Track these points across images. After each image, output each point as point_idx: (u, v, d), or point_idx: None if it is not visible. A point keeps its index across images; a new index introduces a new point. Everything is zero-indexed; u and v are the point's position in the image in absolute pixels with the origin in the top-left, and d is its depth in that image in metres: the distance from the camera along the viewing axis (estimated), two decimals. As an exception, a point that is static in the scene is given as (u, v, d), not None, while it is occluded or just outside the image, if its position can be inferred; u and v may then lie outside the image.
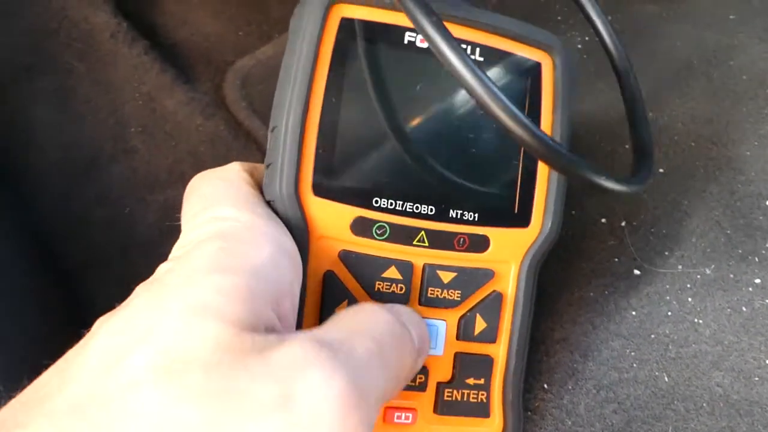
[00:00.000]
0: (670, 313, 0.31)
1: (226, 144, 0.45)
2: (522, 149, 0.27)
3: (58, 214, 0.41)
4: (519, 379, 0.26)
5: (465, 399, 0.25)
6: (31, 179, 0.41)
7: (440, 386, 0.25)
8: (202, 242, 0.20)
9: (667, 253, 0.33)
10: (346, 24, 0.24)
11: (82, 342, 0.20)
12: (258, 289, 0.19)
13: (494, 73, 0.26)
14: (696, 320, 0.30)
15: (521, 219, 0.27)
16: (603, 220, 0.36)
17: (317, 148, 0.24)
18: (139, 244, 0.42)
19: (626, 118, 0.29)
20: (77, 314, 0.40)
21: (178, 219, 0.43)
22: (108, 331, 0.19)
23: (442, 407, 0.25)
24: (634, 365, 0.29)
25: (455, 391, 0.25)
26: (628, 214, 0.36)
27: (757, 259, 0.31)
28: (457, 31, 0.25)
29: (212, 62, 0.49)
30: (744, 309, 0.30)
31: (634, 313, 0.31)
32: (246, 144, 0.45)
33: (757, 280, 0.30)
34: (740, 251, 0.32)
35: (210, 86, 0.47)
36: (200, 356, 0.17)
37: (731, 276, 0.31)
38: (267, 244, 0.21)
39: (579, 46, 0.51)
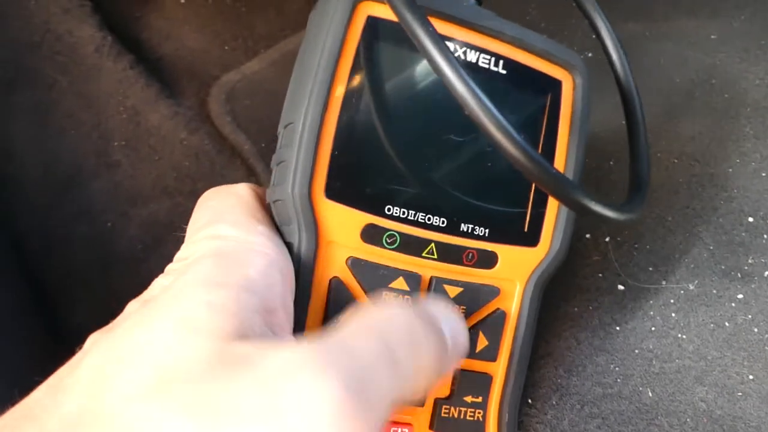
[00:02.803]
0: (653, 329, 0.30)
1: (210, 158, 0.44)
2: (543, 135, 0.27)
3: (38, 229, 0.41)
4: (516, 399, 0.26)
5: (462, 417, 0.25)
6: (11, 194, 0.41)
7: (438, 402, 0.25)
8: (197, 259, 0.21)
9: (650, 269, 0.33)
10: (373, 23, 0.23)
11: (74, 359, 0.20)
12: (248, 302, 0.19)
13: (515, 87, 0.26)
14: (679, 335, 0.30)
15: (530, 238, 0.27)
16: (587, 236, 0.36)
17: (333, 149, 0.23)
18: (120, 259, 0.41)
19: (627, 142, 0.29)
20: (57, 330, 0.39)
21: (161, 233, 0.42)
22: (100, 348, 0.19)
23: (439, 424, 0.25)
24: (618, 380, 0.29)
25: (453, 409, 0.25)
26: (612, 230, 0.36)
27: (739, 275, 0.31)
28: (484, 41, 0.25)
29: (197, 77, 0.49)
30: (727, 324, 0.30)
31: (618, 328, 0.31)
32: (230, 159, 0.45)
33: (740, 296, 0.30)
34: (723, 267, 0.32)
35: (195, 101, 0.47)
36: (191, 370, 0.17)
37: (714, 291, 0.31)
38: (259, 259, 0.21)
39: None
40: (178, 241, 0.42)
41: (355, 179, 0.23)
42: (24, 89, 0.41)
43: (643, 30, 0.53)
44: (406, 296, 0.24)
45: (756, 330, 0.29)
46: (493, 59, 0.25)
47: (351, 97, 0.23)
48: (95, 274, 0.40)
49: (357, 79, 0.23)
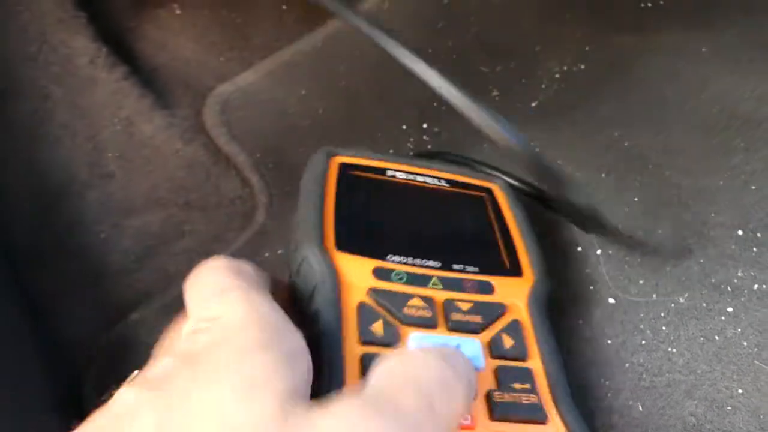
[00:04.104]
0: (644, 342, 0.31)
1: (205, 169, 0.45)
2: (492, 215, 0.33)
3: (31, 239, 0.41)
4: (564, 388, 0.26)
5: (517, 401, 0.25)
6: (4, 203, 0.41)
7: (490, 392, 0.25)
8: (246, 324, 0.21)
9: (641, 282, 0.33)
10: (344, 165, 0.33)
11: (114, 420, 0.19)
12: (301, 365, 0.21)
13: (459, 194, 0.34)
14: (670, 349, 0.30)
15: (515, 270, 0.30)
16: (578, 249, 0.36)
17: (335, 225, 0.29)
18: (113, 271, 0.41)
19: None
20: (48, 343, 0.39)
21: (154, 244, 0.42)
22: (157, 409, 0.19)
23: (496, 410, 0.25)
24: (609, 394, 0.29)
25: (505, 394, 0.25)
26: (603, 243, 0.36)
27: (729, 288, 0.31)
28: (426, 171, 0.34)
29: (192, 87, 0.49)
30: (717, 338, 0.30)
31: (609, 341, 0.31)
32: (225, 170, 0.45)
33: (730, 309, 0.31)
34: (713, 280, 0.32)
35: (190, 111, 0.47)
36: (257, 427, 0.18)
37: (704, 305, 0.31)
38: (292, 326, 0.22)
39: (557, 75, 0.52)
40: (172, 253, 0.43)
41: (357, 239, 0.29)
42: (18, 99, 0.41)
43: (635, 42, 0.53)
44: (426, 309, 0.27)
45: (745, 344, 0.29)
46: (437, 180, 0.34)
47: (341, 191, 0.31)
48: (88, 285, 0.40)
49: (340, 194, 0.31)
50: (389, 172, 0.33)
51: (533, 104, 0.49)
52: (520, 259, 0.31)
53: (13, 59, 0.41)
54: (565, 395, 0.26)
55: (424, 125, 0.49)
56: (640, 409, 0.28)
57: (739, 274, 0.32)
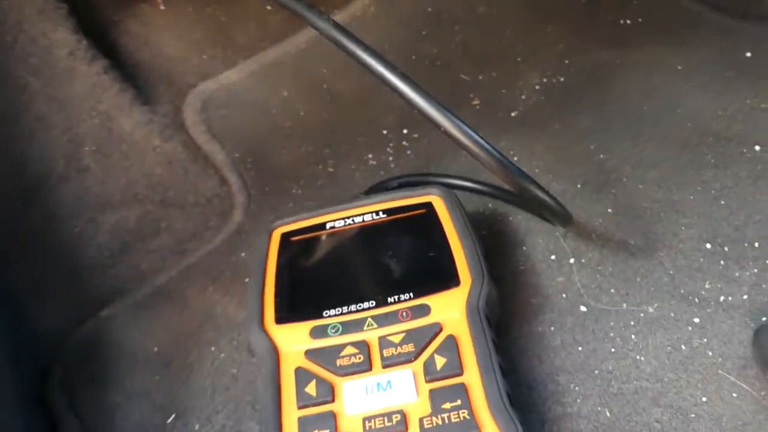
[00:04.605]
0: (613, 350, 0.31)
1: (183, 167, 0.44)
2: (431, 231, 0.34)
3: (5, 232, 0.40)
4: (501, 396, 0.26)
5: (447, 422, 0.26)
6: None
7: (421, 420, 0.26)
8: None
9: (612, 291, 0.34)
10: (285, 235, 0.36)
11: None
12: None
13: (397, 220, 0.35)
14: (638, 357, 0.31)
15: (452, 281, 0.31)
16: (552, 257, 0.37)
17: (275, 295, 0.32)
18: (88, 266, 0.41)
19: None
20: (16, 336, 0.38)
21: (129, 241, 0.42)
22: None
23: None
24: (578, 400, 0.30)
25: (435, 418, 0.26)
26: (576, 252, 0.36)
27: (697, 300, 0.32)
28: (367, 208, 0.36)
29: (174, 84, 0.49)
30: (683, 347, 0.30)
31: (579, 348, 0.32)
32: (204, 168, 0.45)
33: (696, 320, 0.31)
34: (682, 291, 0.33)
35: (170, 108, 0.47)
36: None
37: (672, 315, 0.32)
38: None
39: (537, 86, 0.53)
40: (147, 250, 0.42)
41: (294, 307, 0.31)
42: (-8, 91, 0.41)
43: (615, 58, 0.54)
44: (359, 356, 0.28)
45: (710, 353, 0.30)
46: (375, 214, 0.36)
47: (282, 264, 0.34)
48: (61, 279, 0.40)
49: (282, 259, 0.34)
50: (328, 225, 0.36)
51: (513, 114, 0.50)
52: (458, 268, 0.32)
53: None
54: (498, 401, 0.26)
55: (404, 130, 0.49)
56: (608, 414, 0.29)
57: (707, 286, 0.33)
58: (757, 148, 0.41)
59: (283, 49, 0.51)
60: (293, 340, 0.30)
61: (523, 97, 0.52)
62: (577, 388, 0.30)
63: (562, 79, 0.54)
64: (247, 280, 0.38)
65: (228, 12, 0.53)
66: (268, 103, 0.49)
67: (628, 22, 0.59)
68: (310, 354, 0.29)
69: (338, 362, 0.28)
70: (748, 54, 0.50)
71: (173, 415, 0.32)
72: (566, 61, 0.55)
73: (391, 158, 0.48)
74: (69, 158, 0.41)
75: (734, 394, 0.28)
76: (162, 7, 0.52)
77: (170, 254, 0.42)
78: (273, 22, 0.52)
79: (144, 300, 0.39)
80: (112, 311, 0.39)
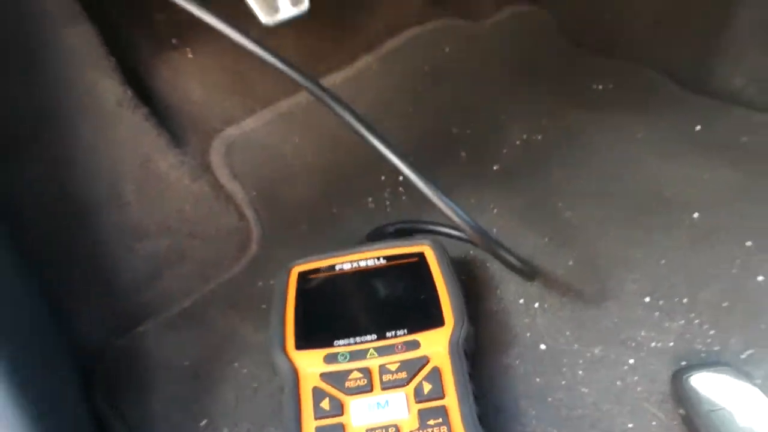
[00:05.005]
0: (564, 382, 0.39)
1: (208, 204, 0.51)
2: (422, 277, 0.41)
3: (54, 251, 0.46)
4: (473, 417, 0.34)
5: None
6: (35, 218, 0.46)
7: None
8: None
9: (567, 333, 0.41)
10: (301, 273, 0.43)
11: None
12: None
13: (395, 266, 0.42)
14: (583, 389, 0.38)
15: (438, 321, 0.38)
16: (521, 301, 0.44)
17: (294, 326, 0.39)
18: (124, 286, 0.47)
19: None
20: (67, 339, 0.44)
21: (161, 267, 0.48)
22: None
23: None
24: (533, 422, 0.37)
25: (421, 431, 0.33)
26: (540, 298, 0.44)
27: (633, 345, 0.40)
28: (369, 254, 0.43)
29: (201, 128, 0.55)
30: (618, 383, 0.38)
31: (537, 380, 0.39)
32: (225, 205, 0.52)
33: (631, 361, 0.39)
34: (622, 337, 0.40)
35: (198, 151, 0.54)
36: None
37: (613, 356, 0.39)
38: None
39: (517, 142, 0.60)
40: (175, 276, 0.49)
41: (311, 334, 0.39)
42: (51, 131, 0.47)
43: (587, 120, 0.62)
44: (363, 379, 0.36)
45: (639, 389, 0.37)
46: (376, 259, 0.43)
47: (300, 298, 0.41)
48: (103, 296, 0.46)
49: (300, 295, 0.41)
50: (337, 267, 0.43)
51: (495, 167, 0.58)
52: (443, 310, 0.39)
53: (49, 96, 0.47)
54: (470, 421, 0.34)
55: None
56: (556, 436, 0.36)
57: (642, 334, 0.41)
58: (696, 215, 0.49)
59: (295, 101, 0.58)
60: (310, 364, 0.37)
61: (505, 151, 0.60)
62: (533, 412, 0.38)
63: (539, 137, 0.61)
64: (264, 306, 0.45)
65: (248, 63, 0.60)
66: (282, 148, 0.56)
67: (600, 87, 0.67)
68: (324, 376, 0.36)
69: (346, 384, 0.35)
70: (698, 127, 0.58)
71: (205, 421, 0.39)
72: (543, 121, 0.63)
73: (387, 202, 0.55)
74: (112, 193, 0.48)
75: (653, 423, 0.36)
76: (190, 56, 0.58)
77: (195, 280, 0.49)
78: (287, 77, 0.59)
79: (173, 319, 0.46)
80: (146, 327, 0.46)
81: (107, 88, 0.49)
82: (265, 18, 0.47)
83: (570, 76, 0.69)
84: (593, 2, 0.71)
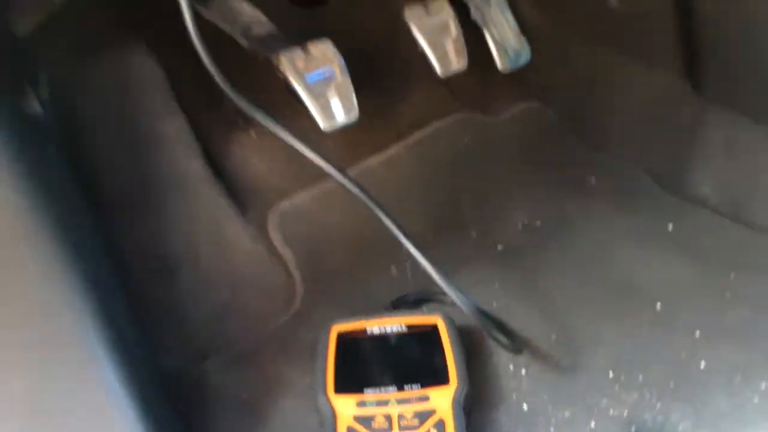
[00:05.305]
0: (538, 439, 0.50)
1: (264, 264, 0.63)
2: (434, 342, 0.52)
3: (143, 296, 0.58)
4: None
5: None
6: (127, 270, 0.58)
7: None
8: None
9: (545, 397, 0.53)
10: (340, 333, 0.53)
11: None
12: None
13: (417, 332, 0.54)
14: (553, 444, 0.49)
15: (445, 380, 0.50)
16: (510, 367, 0.55)
17: (334, 375, 0.50)
18: (193, 326, 0.59)
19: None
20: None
21: (226, 313, 0.60)
22: None
23: None
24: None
25: None
26: (527, 366, 0.55)
27: (596, 410, 0.51)
28: (391, 320, 0.54)
29: (260, 200, 0.67)
30: (581, 441, 0.49)
31: (518, 432, 0.51)
32: (277, 267, 0.64)
33: (593, 424, 0.50)
34: (588, 403, 0.52)
35: (258, 218, 0.66)
36: None
37: (579, 419, 0.50)
38: None
39: (519, 226, 0.72)
40: (234, 322, 0.61)
41: (347, 382, 0.49)
42: (147, 202, 0.59)
43: (578, 210, 0.73)
44: (386, 423, 0.47)
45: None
46: (399, 326, 0.54)
47: (338, 352, 0.52)
48: (176, 334, 0.58)
49: (339, 352, 0.52)
50: (368, 330, 0.54)
51: (499, 247, 0.69)
52: (449, 371, 0.50)
53: (149, 174, 0.59)
54: None
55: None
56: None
57: (604, 402, 0.52)
58: (658, 304, 0.60)
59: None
60: (346, 407, 0.48)
61: (509, 233, 0.72)
62: (514, 458, 0.49)
63: (538, 223, 0.73)
64: (306, 354, 0.56)
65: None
66: (325, 220, 0.68)
67: (593, 180, 0.79)
68: (357, 418, 0.47)
69: (373, 425, 0.47)
70: (670, 225, 0.70)
71: (262, 447, 0.50)
72: (543, 207, 0.75)
73: (408, 272, 0.67)
74: (191, 253, 0.60)
75: (605, 474, 0.47)
76: (254, 137, 0.71)
77: (251, 327, 0.60)
78: (332, 157, 0.72)
79: (232, 359, 0.58)
80: (210, 364, 0.57)
81: (192, 169, 0.62)
82: (323, 124, 0.60)
83: (569, 167, 0.80)
84: (589, 103, 0.83)
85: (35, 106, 0.42)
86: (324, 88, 0.59)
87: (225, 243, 0.62)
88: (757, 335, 0.57)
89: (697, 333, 0.57)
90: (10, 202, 0.38)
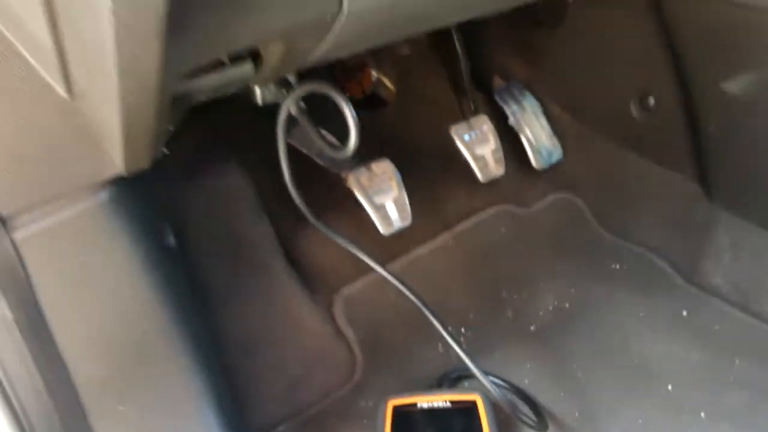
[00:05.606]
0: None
1: (329, 342, 0.75)
2: (473, 415, 0.63)
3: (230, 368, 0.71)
4: None
5: None
6: (221, 348, 0.71)
7: None
8: None
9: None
10: (395, 406, 0.65)
11: None
12: None
13: (457, 408, 0.65)
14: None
15: None
16: None
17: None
18: (272, 394, 0.71)
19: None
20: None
21: (293, 383, 0.72)
22: None
23: None
24: None
25: None
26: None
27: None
28: (439, 398, 0.65)
29: (327, 283, 0.80)
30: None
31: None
32: (340, 346, 0.76)
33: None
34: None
35: (325, 301, 0.78)
36: None
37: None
38: None
39: (550, 308, 0.82)
40: (304, 392, 0.72)
41: None
42: (235, 292, 0.72)
43: (602, 295, 0.83)
44: None
45: None
46: (444, 402, 0.65)
47: (394, 421, 0.63)
48: (257, 399, 0.70)
49: (394, 419, 0.64)
50: (418, 404, 0.65)
51: (532, 328, 0.80)
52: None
53: (236, 272, 0.73)
54: None
55: (462, 329, 0.80)
56: None
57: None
58: (670, 387, 0.69)
59: (394, 267, 0.82)
60: None
61: (541, 314, 0.82)
62: None
63: (566, 305, 0.83)
64: (365, 420, 0.68)
65: (364, 235, 0.84)
66: (381, 304, 0.80)
67: (617, 266, 0.89)
68: None
69: None
70: (684, 312, 0.79)
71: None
72: (572, 290, 0.85)
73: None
74: (268, 332, 0.73)
75: None
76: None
77: (317, 398, 0.72)
78: (387, 247, 0.84)
79: (303, 423, 0.69)
80: (284, 427, 0.69)
81: (274, 265, 0.75)
82: (383, 230, 0.72)
83: (596, 254, 0.91)
84: (614, 195, 0.94)
85: (171, 240, 0.55)
86: (383, 201, 0.71)
87: (296, 323, 0.74)
88: (757, 417, 0.65)
89: (702, 414, 0.66)
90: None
